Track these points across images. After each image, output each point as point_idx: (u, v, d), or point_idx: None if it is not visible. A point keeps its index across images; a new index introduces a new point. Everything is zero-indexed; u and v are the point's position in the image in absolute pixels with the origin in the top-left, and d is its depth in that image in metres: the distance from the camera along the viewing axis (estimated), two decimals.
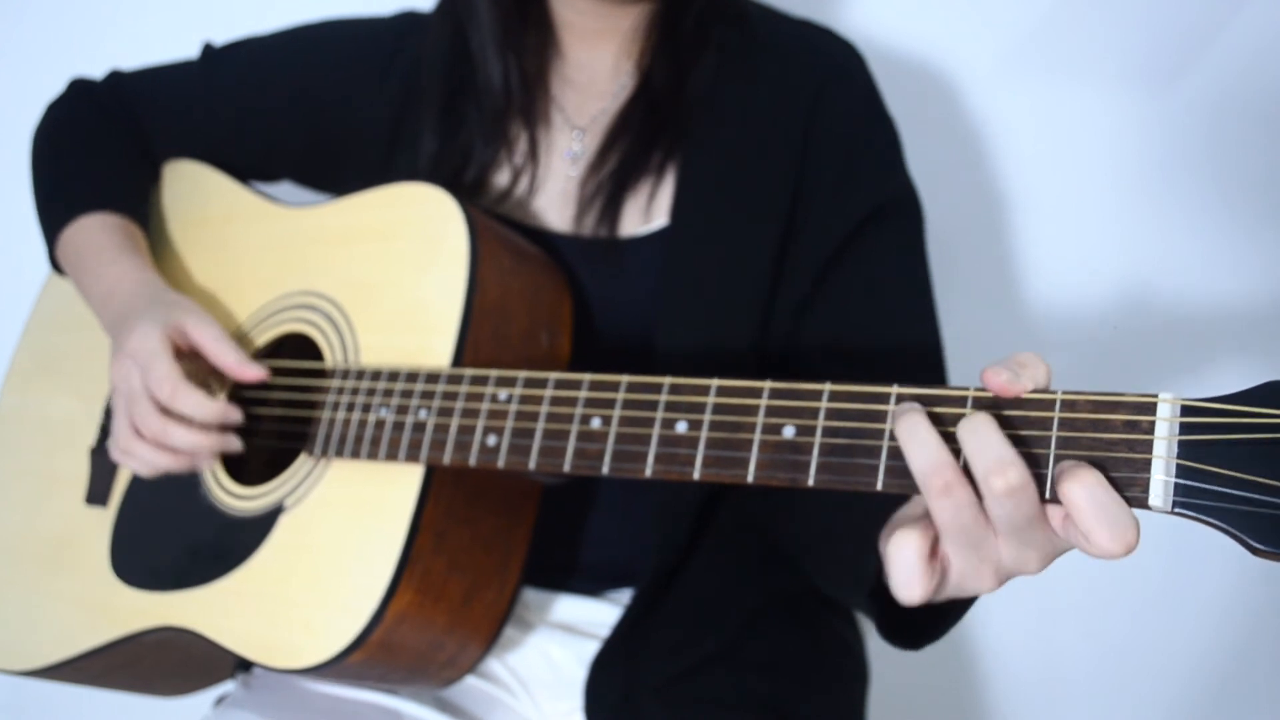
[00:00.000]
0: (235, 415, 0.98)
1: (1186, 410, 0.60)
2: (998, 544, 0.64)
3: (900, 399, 0.68)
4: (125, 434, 0.99)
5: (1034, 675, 1.52)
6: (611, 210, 1.05)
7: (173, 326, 0.99)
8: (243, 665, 1.11)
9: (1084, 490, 0.60)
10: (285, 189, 1.24)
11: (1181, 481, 0.59)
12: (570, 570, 1.10)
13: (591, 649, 1.05)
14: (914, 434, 0.65)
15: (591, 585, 1.10)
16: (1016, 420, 0.64)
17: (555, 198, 1.10)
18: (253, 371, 0.99)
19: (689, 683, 1.02)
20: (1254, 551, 0.58)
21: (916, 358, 1.01)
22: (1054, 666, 1.51)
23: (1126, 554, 0.60)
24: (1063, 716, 1.52)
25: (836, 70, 1.08)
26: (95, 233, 1.11)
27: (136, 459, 0.99)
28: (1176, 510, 0.60)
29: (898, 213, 1.06)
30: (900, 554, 0.65)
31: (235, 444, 0.99)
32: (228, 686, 1.13)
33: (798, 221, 1.03)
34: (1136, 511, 0.61)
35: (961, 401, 0.66)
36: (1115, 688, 1.49)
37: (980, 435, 0.62)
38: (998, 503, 0.62)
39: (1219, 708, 1.49)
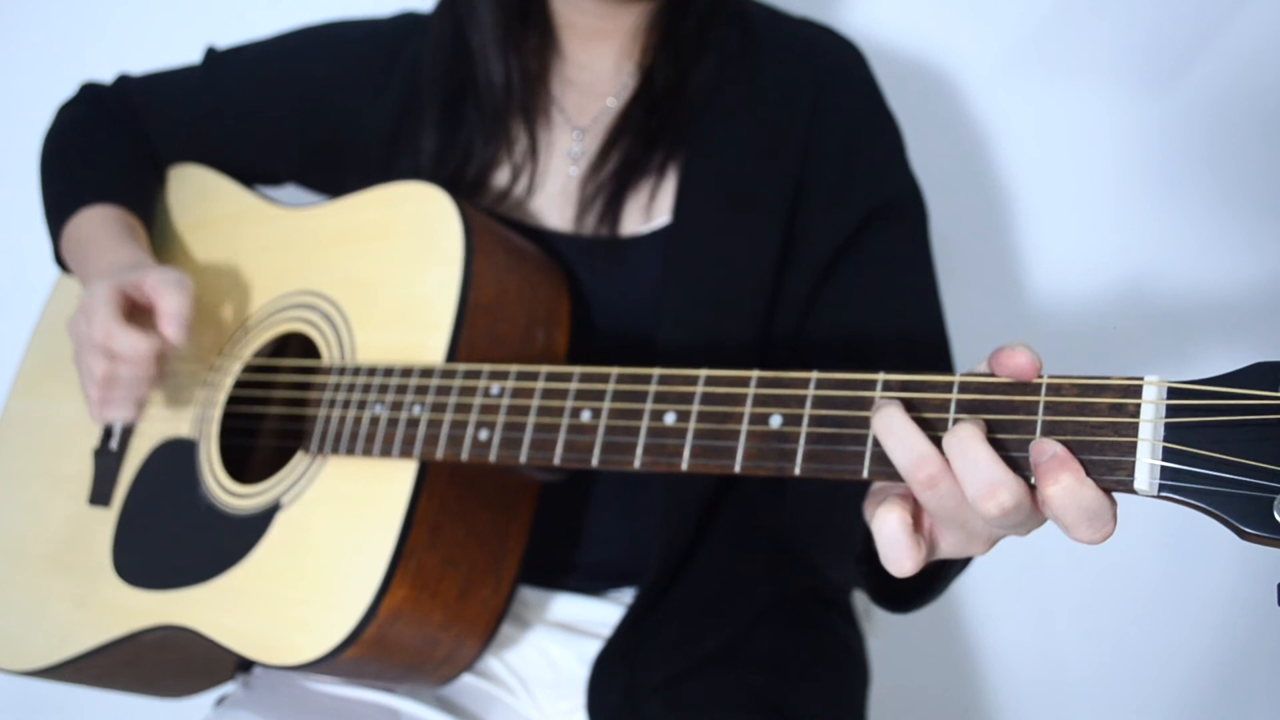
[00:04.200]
0: (167, 345, 0.97)
1: (1173, 393, 0.60)
2: (986, 525, 0.65)
3: (887, 385, 0.68)
4: (88, 386, 1.00)
5: (1034, 675, 1.51)
6: (612, 209, 1.05)
7: (129, 281, 0.99)
8: (243, 665, 1.11)
9: (1064, 493, 0.60)
10: (288, 191, 1.25)
11: (1168, 465, 0.59)
12: (570, 569, 1.10)
13: (591, 648, 1.05)
14: (890, 429, 0.64)
15: (591, 584, 1.10)
16: (1001, 405, 0.64)
17: (555, 197, 1.10)
18: (173, 329, 0.96)
19: (691, 681, 1.02)
20: (1242, 535, 0.58)
21: (923, 354, 1.01)
22: (1054, 666, 1.51)
23: (1103, 542, 0.60)
24: (1063, 716, 1.51)
25: (838, 69, 1.08)
26: (96, 224, 1.11)
27: (112, 406, 0.99)
28: (1163, 494, 0.59)
29: (901, 210, 1.07)
30: (885, 528, 0.65)
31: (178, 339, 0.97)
32: (228, 687, 1.14)
33: (800, 220, 1.03)
34: (1123, 496, 0.61)
35: (948, 387, 0.66)
36: (1115, 687, 1.48)
37: (969, 455, 0.62)
38: (991, 521, 0.62)
39: (1219, 707, 1.48)
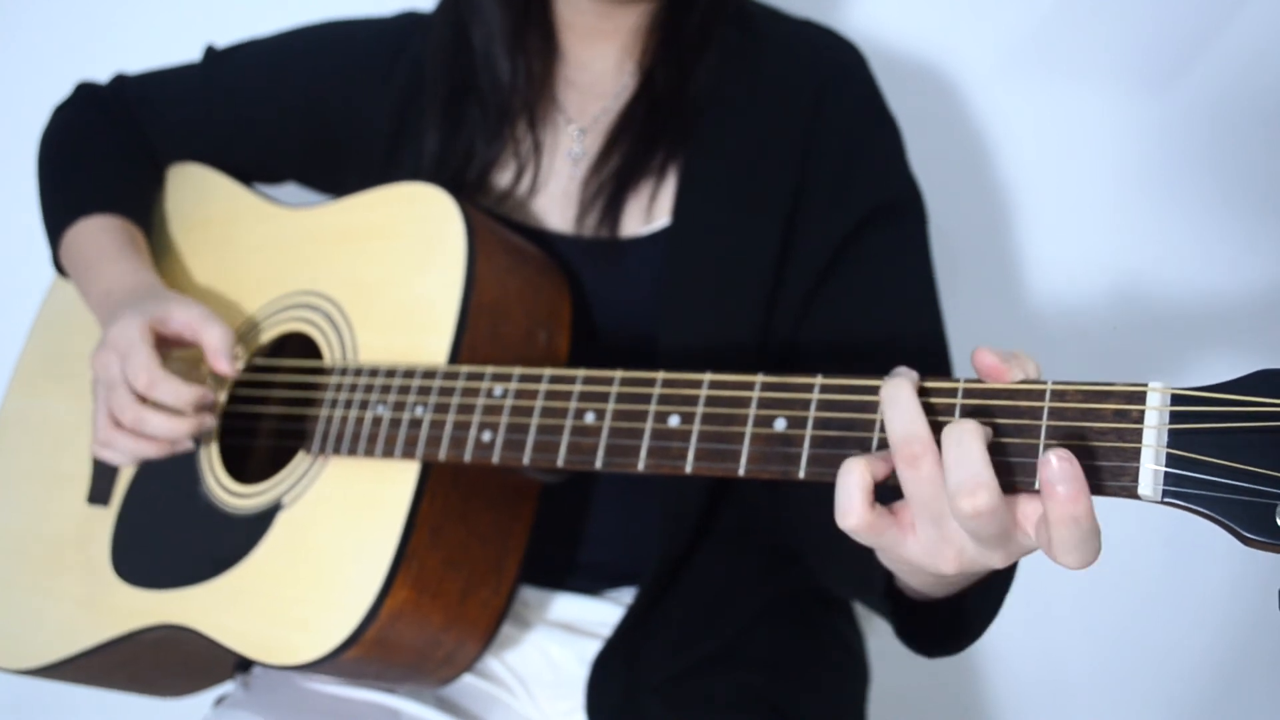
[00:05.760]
0: (210, 397, 0.98)
1: (1176, 399, 0.60)
2: (959, 531, 0.64)
3: None
4: (104, 424, 0.99)
5: (1034, 675, 1.52)
6: (613, 210, 1.05)
7: (156, 316, 0.99)
8: (242, 665, 1.11)
9: (1070, 520, 0.59)
10: (289, 190, 1.25)
11: (1171, 471, 0.59)
12: (570, 569, 1.10)
13: (591, 648, 1.05)
14: (895, 400, 0.64)
15: (591, 584, 1.10)
16: (1006, 410, 0.64)
17: (557, 198, 1.10)
18: (225, 364, 0.97)
19: (690, 681, 1.02)
20: (1244, 541, 0.58)
21: (921, 356, 1.01)
22: (1054, 666, 1.51)
23: (1085, 569, 0.61)
24: (1063, 716, 1.51)
25: (838, 70, 1.08)
26: (96, 234, 1.11)
27: (115, 450, 0.99)
28: (1166, 500, 0.60)
29: (901, 211, 1.07)
30: (845, 478, 0.64)
31: (211, 423, 0.99)
32: (228, 687, 1.13)
33: (800, 220, 1.03)
34: (1127, 501, 0.61)
35: (953, 392, 0.66)
36: (1115, 687, 1.49)
37: (962, 446, 0.61)
38: (963, 519, 0.61)
39: (1219, 707, 1.48)
